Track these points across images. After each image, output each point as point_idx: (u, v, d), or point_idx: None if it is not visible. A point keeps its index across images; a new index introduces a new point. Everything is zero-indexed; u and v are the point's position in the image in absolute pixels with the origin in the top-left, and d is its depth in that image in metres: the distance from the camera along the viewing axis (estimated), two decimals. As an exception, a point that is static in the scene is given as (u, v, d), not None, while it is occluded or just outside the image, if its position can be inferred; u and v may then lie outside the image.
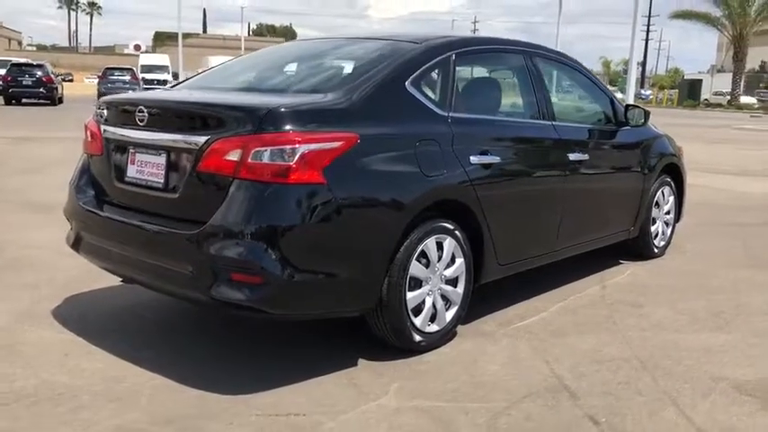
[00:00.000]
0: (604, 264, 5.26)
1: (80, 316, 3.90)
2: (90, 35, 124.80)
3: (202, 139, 2.99)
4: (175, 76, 40.16)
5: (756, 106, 46.30)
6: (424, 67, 3.50)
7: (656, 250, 5.51)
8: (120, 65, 35.41)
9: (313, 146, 2.89)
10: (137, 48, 65.84)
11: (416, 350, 3.42)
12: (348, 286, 3.08)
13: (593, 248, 4.85)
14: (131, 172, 3.35)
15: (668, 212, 5.63)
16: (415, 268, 3.31)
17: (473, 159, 3.54)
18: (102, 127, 3.53)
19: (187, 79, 4.28)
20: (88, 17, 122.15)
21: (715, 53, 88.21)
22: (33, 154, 11.44)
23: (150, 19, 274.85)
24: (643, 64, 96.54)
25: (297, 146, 2.85)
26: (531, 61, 4.27)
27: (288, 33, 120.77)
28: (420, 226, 3.29)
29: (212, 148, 2.95)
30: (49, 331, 3.67)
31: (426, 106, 3.45)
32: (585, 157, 4.40)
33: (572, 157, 4.29)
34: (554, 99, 4.42)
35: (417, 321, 3.37)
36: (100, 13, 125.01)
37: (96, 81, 36.43)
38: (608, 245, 5.03)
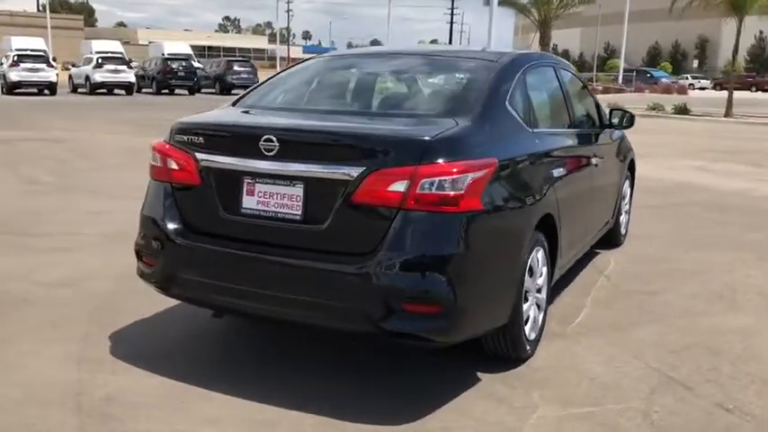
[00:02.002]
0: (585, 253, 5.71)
1: (151, 353, 3.63)
2: None
3: (357, 170, 2.92)
4: None
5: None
6: (512, 86, 3.64)
7: (622, 238, 6.09)
8: None
9: (477, 173, 2.94)
10: None
11: (523, 359, 3.59)
12: (499, 305, 3.20)
13: (595, 242, 5.28)
14: (249, 203, 3.17)
15: (628, 203, 6.23)
16: (527, 281, 3.48)
17: (555, 173, 3.76)
18: (198, 155, 3.28)
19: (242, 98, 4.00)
20: None
21: (512, 36, 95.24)
22: None
23: None
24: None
25: (466, 174, 2.90)
26: (558, 73, 4.55)
27: (84, 10, 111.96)
28: (531, 240, 3.46)
29: (372, 179, 2.90)
30: (134, 376, 3.39)
31: (521, 124, 3.60)
32: (600, 158, 4.78)
33: (594, 160, 4.65)
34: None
35: (526, 331, 3.55)
36: None
37: None
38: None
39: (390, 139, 3.02)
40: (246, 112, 3.71)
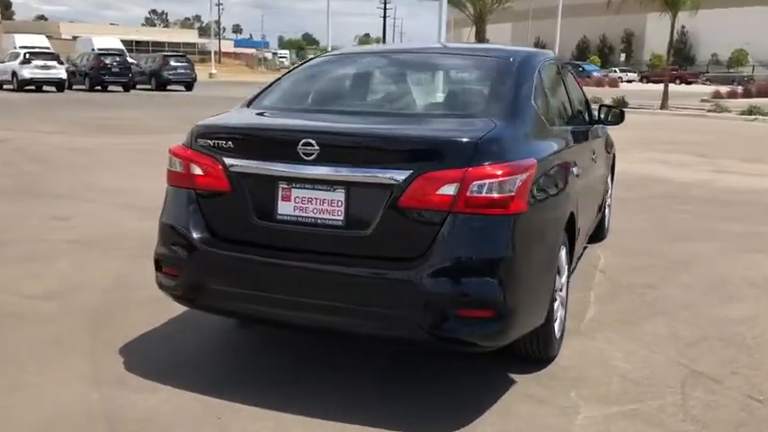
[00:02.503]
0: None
1: (168, 369, 3.46)
2: None
3: (404, 174, 2.84)
4: None
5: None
6: (533, 84, 3.61)
7: (606, 232, 6.19)
8: None
9: (524, 174, 2.91)
10: None
11: (550, 359, 3.58)
12: (540, 305, 3.19)
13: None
14: (285, 209, 3.05)
15: (610, 196, 6.34)
16: (556, 279, 3.48)
17: (573, 170, 3.77)
18: (226, 160, 3.13)
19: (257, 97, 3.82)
20: None
21: (444, 30, 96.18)
22: None
23: None
24: (383, 41, 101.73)
25: (516, 176, 2.86)
26: (561, 70, 4.57)
27: (0, 2, 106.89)
28: (562, 238, 3.47)
29: (420, 183, 2.83)
30: (162, 394, 3.22)
31: (545, 123, 3.59)
32: (597, 154, 4.84)
33: (593, 156, 4.70)
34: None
35: (555, 330, 3.55)
36: None
37: None
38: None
39: (438, 142, 2.96)
40: (272, 115, 3.57)
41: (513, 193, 2.85)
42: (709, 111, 24.76)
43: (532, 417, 3.07)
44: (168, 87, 33.42)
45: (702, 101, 28.77)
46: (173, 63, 33.59)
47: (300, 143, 2.94)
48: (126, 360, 3.57)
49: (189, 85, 33.43)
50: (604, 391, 3.32)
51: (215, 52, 67.24)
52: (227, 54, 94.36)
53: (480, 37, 56.87)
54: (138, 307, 4.33)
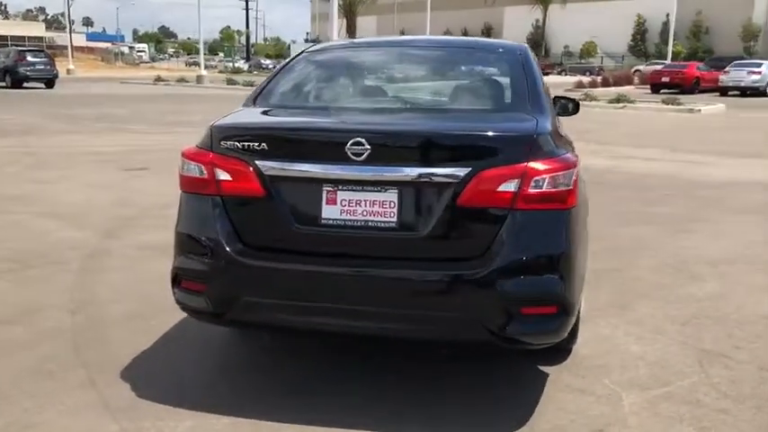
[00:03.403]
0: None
1: (180, 390, 3.19)
2: None
3: (462, 172, 2.75)
4: None
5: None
6: (540, 76, 3.61)
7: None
8: None
9: (575, 168, 2.90)
10: None
11: (571, 349, 3.62)
12: (581, 297, 3.19)
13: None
14: (331, 213, 2.87)
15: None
16: None
17: None
18: (259, 162, 2.90)
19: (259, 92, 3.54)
20: None
21: (310, 23, 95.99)
22: None
23: None
24: (247, 34, 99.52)
25: (570, 170, 2.85)
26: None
27: None
28: None
29: (479, 180, 2.75)
30: (187, 420, 2.96)
31: (555, 114, 3.60)
32: None
33: None
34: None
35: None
36: None
37: None
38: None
39: (498, 137, 2.87)
40: (307, 113, 3.36)
41: (570, 187, 2.84)
42: (581, 100, 26.14)
43: (580, 407, 3.09)
44: (25, 85, 30.90)
45: (567, 90, 30.38)
46: (30, 58, 31.00)
47: (350, 143, 2.77)
48: (131, 385, 3.25)
49: (50, 83, 30.99)
50: (635, 377, 3.40)
51: (67, 47, 62.98)
52: (80, 48, 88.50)
53: (352, 30, 57.30)
54: (115, 325, 3.97)
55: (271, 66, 65.18)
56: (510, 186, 2.76)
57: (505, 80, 3.50)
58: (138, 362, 3.51)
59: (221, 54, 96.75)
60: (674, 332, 3.95)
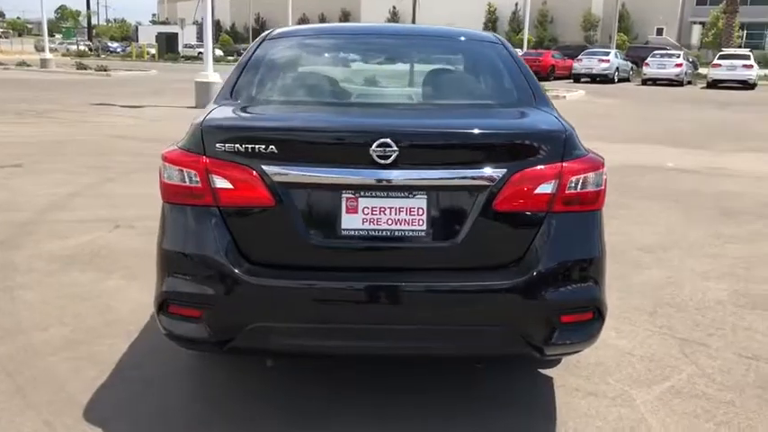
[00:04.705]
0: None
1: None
2: None
3: (497, 173, 2.55)
4: None
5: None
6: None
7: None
8: None
9: (604, 168, 2.78)
10: None
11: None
12: None
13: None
14: (352, 223, 2.56)
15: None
16: None
17: None
18: (266, 168, 2.53)
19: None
20: None
21: (156, 5, 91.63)
22: None
23: None
24: (89, 14, 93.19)
25: (601, 170, 2.73)
26: None
27: None
28: None
29: (516, 182, 2.56)
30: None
31: None
32: None
33: None
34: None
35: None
36: None
37: None
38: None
39: (533, 135, 2.68)
40: (317, 111, 3.01)
41: (602, 187, 2.72)
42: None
43: (599, 412, 3.02)
44: None
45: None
46: None
47: (375, 144, 2.48)
48: (102, 429, 2.80)
49: None
50: (635, 374, 3.38)
51: None
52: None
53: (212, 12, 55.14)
54: (54, 354, 3.44)
55: (119, 49, 61.33)
56: (548, 188, 2.59)
57: (502, 72, 3.31)
58: (99, 400, 3.03)
59: (59, 36, 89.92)
60: (647, 323, 3.99)
